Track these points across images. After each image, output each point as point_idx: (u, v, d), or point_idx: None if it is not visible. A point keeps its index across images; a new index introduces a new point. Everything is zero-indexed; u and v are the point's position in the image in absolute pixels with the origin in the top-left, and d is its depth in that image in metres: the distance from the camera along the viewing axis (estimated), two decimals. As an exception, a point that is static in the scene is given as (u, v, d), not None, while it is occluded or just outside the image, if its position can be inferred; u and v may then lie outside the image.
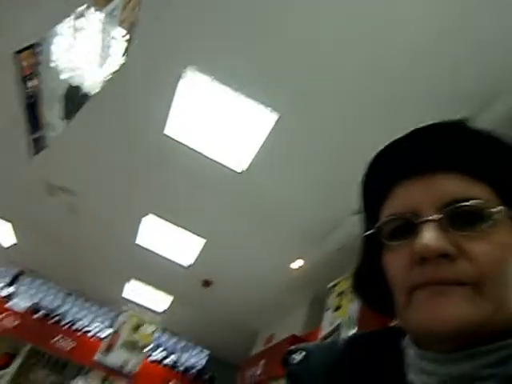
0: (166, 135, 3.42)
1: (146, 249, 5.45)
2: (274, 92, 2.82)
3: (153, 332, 6.84)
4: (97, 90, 2.13)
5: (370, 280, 0.52)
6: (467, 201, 0.43)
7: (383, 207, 0.49)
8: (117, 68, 1.95)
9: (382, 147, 0.49)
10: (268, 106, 2.88)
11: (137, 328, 6.63)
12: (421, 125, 0.47)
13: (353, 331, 3.27)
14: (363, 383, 0.49)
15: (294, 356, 0.55)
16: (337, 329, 3.57)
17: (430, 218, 0.43)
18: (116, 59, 1.89)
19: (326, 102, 2.77)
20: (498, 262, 0.42)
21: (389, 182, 0.49)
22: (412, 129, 0.47)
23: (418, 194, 0.45)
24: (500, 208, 0.43)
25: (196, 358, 8.95)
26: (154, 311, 7.17)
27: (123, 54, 1.90)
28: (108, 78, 1.99)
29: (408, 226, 0.45)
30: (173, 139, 3.45)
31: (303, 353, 0.55)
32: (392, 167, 0.48)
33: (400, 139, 0.48)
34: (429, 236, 0.42)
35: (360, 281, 0.55)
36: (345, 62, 2.48)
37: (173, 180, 4.06)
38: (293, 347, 0.57)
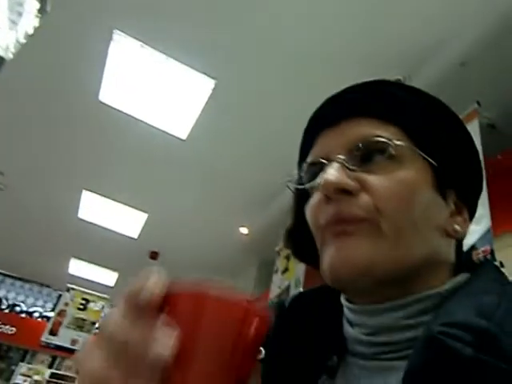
0: (100, 102, 3.19)
1: (89, 223, 5.23)
2: (210, 57, 2.70)
3: (102, 308, 6.68)
4: (10, 56, 1.91)
5: (300, 234, 0.51)
6: (371, 139, 0.44)
7: (308, 158, 0.50)
8: (31, 31, 1.75)
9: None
10: (204, 72, 2.76)
11: (84, 305, 6.44)
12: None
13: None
14: (305, 338, 0.49)
15: None
16: (286, 291, 3.69)
17: (335, 158, 0.44)
18: (29, 20, 1.68)
19: (264, 64, 2.70)
20: (398, 197, 0.42)
21: (313, 134, 0.50)
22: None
23: (331, 140, 0.47)
24: (402, 143, 0.43)
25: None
26: (104, 286, 7.01)
27: (37, 15, 1.70)
28: (22, 41, 1.77)
29: (321, 171, 0.46)
30: (108, 106, 3.23)
31: None
32: (316, 120, 0.51)
33: (329, 96, 0.50)
34: (330, 173, 0.42)
35: (291, 236, 0.55)
36: (283, 22, 2.41)
37: (109, 151, 3.84)
38: None
